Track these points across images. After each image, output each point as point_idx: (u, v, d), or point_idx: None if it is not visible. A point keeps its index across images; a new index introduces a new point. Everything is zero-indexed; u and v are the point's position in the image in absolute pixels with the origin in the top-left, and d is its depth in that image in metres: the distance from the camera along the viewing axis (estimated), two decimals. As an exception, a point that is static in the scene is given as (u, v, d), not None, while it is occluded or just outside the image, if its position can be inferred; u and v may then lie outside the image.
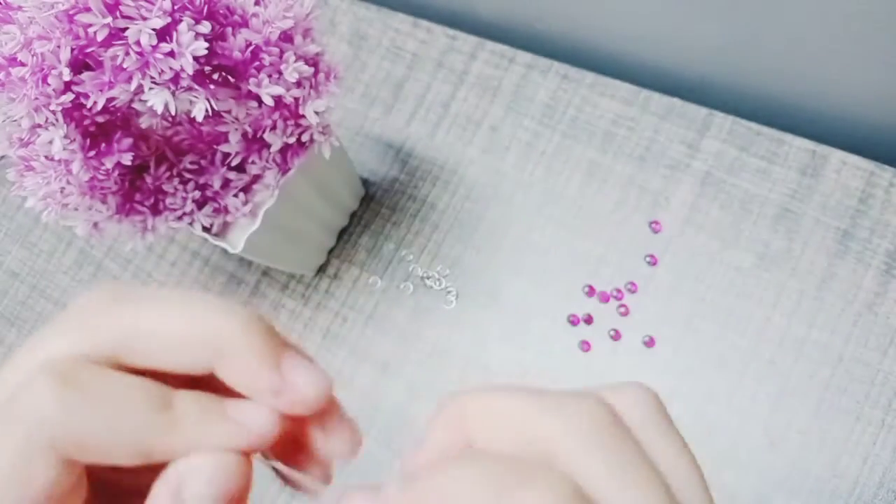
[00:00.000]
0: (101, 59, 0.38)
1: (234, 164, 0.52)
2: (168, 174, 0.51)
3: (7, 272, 0.78)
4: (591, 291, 0.61)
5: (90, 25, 0.37)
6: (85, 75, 0.39)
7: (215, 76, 0.43)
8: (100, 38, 0.37)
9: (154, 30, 0.37)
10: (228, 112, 0.46)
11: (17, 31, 0.38)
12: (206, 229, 0.54)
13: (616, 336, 0.59)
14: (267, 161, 0.51)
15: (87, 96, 0.39)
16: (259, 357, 0.21)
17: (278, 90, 0.43)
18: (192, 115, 0.41)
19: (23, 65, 0.38)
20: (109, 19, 0.37)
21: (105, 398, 0.19)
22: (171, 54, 0.38)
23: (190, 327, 0.21)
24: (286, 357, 0.21)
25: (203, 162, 0.52)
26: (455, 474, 0.19)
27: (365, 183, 0.69)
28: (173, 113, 0.40)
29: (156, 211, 0.51)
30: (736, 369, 0.57)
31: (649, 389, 0.22)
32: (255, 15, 0.42)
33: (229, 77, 0.43)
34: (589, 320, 0.60)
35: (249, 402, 0.21)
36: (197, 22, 0.39)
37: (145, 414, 0.20)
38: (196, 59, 0.39)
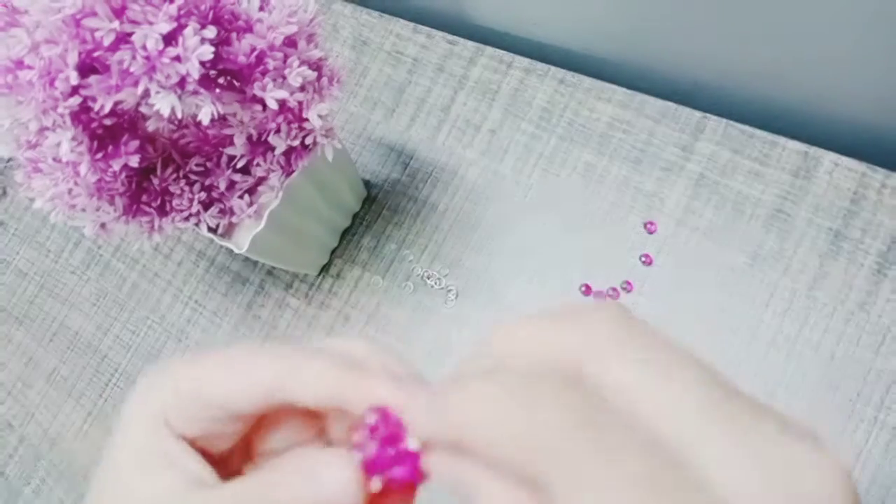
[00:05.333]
0: (107, 62, 0.39)
1: (239, 166, 0.53)
2: (174, 176, 0.52)
3: (15, 272, 0.79)
4: (587, 290, 0.62)
5: (97, 29, 0.37)
6: (92, 79, 0.39)
7: (221, 80, 0.43)
8: (107, 42, 0.38)
9: (160, 34, 0.38)
10: (233, 115, 0.46)
11: (24, 35, 0.39)
12: (211, 230, 0.55)
13: (612, 335, 0.60)
14: (271, 163, 0.52)
15: (94, 99, 0.40)
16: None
17: (282, 94, 0.44)
18: (198, 119, 0.41)
19: (30, 68, 0.39)
20: (116, 24, 0.37)
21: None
22: (178, 58, 0.39)
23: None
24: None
25: (209, 164, 0.53)
26: (475, 387, 0.20)
27: (367, 184, 0.70)
28: (179, 116, 0.40)
29: (162, 212, 0.52)
30: (729, 368, 0.57)
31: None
32: (259, 20, 0.43)
33: (234, 81, 0.44)
34: (586, 319, 0.61)
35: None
36: (203, 27, 0.39)
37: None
38: (202, 63, 0.39)
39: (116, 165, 0.45)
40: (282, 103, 0.45)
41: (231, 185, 0.53)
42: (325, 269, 0.69)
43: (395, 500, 0.23)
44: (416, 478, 0.22)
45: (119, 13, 0.38)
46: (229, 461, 0.27)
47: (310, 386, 0.24)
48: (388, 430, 0.22)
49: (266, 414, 0.26)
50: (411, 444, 0.21)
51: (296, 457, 0.24)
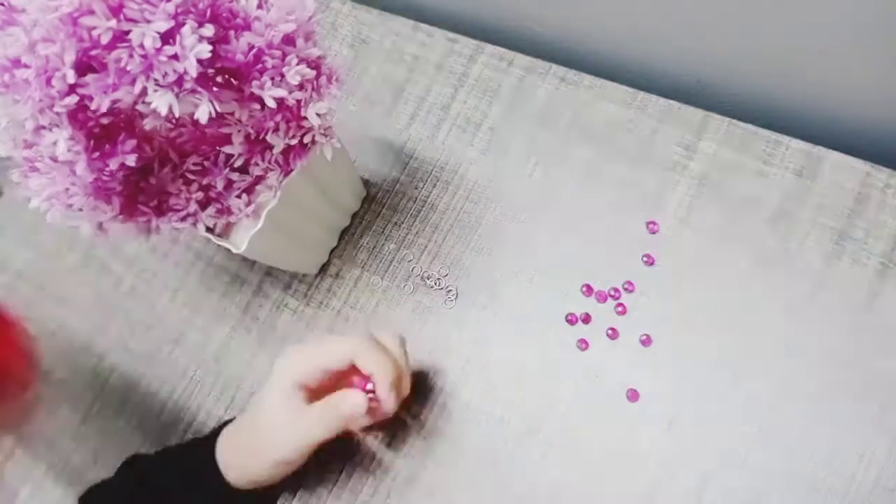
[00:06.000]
0: (105, 61, 0.39)
1: (237, 165, 0.52)
2: (172, 175, 0.51)
3: (13, 272, 0.79)
4: (588, 291, 0.61)
5: (94, 28, 0.37)
6: (89, 77, 0.39)
7: (218, 79, 0.43)
8: (104, 40, 0.37)
9: (158, 33, 0.38)
10: (231, 114, 0.46)
11: (21, 34, 0.38)
12: (209, 230, 0.54)
13: (613, 335, 0.60)
14: (269, 162, 0.52)
15: (91, 98, 0.40)
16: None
17: (281, 93, 0.44)
18: (195, 117, 0.41)
19: (27, 67, 0.39)
20: (113, 22, 0.37)
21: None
22: (175, 57, 0.38)
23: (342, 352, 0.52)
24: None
25: (206, 163, 0.52)
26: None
27: (366, 184, 0.70)
28: (177, 115, 0.40)
29: (160, 212, 0.52)
30: (732, 368, 0.57)
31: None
32: (257, 18, 0.43)
33: (232, 80, 0.44)
34: (587, 319, 0.61)
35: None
36: (200, 25, 0.39)
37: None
38: (199, 61, 0.39)
39: (113, 165, 0.45)
40: (280, 102, 0.45)
41: (229, 184, 0.53)
42: (323, 269, 0.68)
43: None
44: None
45: (116, 11, 0.37)
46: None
47: (359, 359, 0.52)
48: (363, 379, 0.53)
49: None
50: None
51: (338, 394, 0.52)
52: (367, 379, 0.52)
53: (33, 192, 0.45)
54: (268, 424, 0.52)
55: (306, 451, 0.52)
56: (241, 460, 0.53)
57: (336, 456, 0.61)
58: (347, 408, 0.51)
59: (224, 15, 0.41)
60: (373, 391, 0.52)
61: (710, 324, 0.58)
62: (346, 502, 0.61)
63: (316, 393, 0.53)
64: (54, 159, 0.44)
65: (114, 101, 0.40)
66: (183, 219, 0.52)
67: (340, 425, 0.52)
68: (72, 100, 0.40)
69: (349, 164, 0.63)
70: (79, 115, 0.42)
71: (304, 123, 0.48)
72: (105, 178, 0.46)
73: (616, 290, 0.61)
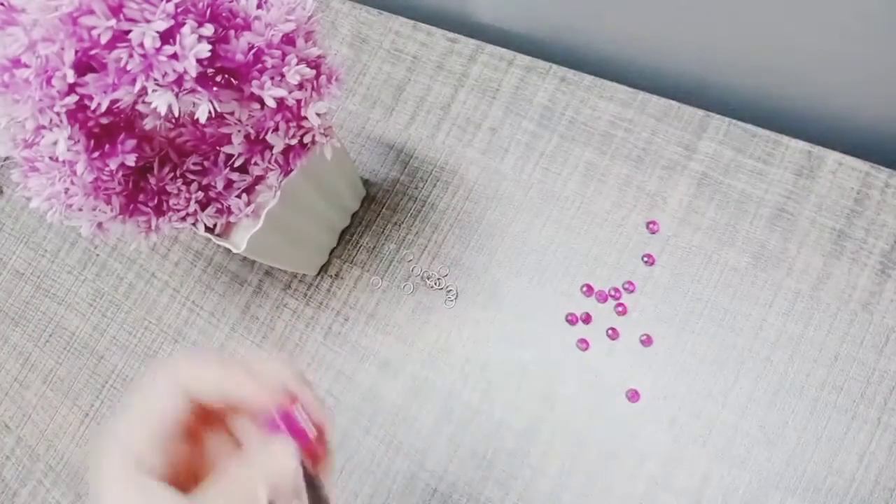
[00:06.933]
0: (104, 61, 0.39)
1: (236, 165, 0.52)
2: (171, 175, 0.51)
3: (12, 272, 0.79)
4: (588, 291, 0.61)
5: (94, 28, 0.37)
6: (89, 77, 0.39)
7: (218, 78, 0.43)
8: (103, 40, 0.37)
9: (157, 32, 0.37)
10: (231, 114, 0.46)
11: (21, 34, 0.38)
12: (209, 230, 0.54)
13: (613, 335, 0.60)
14: (269, 162, 0.52)
15: (91, 98, 0.40)
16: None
17: (280, 92, 0.43)
18: (195, 117, 0.41)
19: (27, 66, 0.39)
20: (113, 22, 0.37)
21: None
22: (175, 57, 0.38)
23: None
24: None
25: (206, 163, 0.52)
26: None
27: (366, 184, 0.70)
28: (177, 115, 0.40)
29: (159, 211, 0.52)
30: (732, 368, 0.57)
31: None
32: (257, 18, 0.42)
33: (232, 79, 0.44)
34: (587, 319, 0.61)
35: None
36: (200, 25, 0.39)
37: None
38: (199, 61, 0.39)
39: (113, 164, 0.45)
40: (280, 101, 0.45)
41: (228, 184, 0.53)
42: (323, 269, 0.68)
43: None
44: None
45: (116, 11, 0.37)
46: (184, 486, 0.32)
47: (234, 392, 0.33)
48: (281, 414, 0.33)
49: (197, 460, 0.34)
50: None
51: (252, 449, 0.33)
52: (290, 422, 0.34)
53: (33, 192, 0.45)
54: None
55: None
56: None
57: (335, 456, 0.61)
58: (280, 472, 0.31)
59: (224, 15, 0.41)
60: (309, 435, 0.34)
61: (710, 324, 0.58)
62: (347, 502, 0.61)
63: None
64: (54, 159, 0.44)
65: (114, 101, 0.40)
66: (183, 219, 0.52)
67: None
68: (72, 99, 0.40)
69: (349, 164, 0.63)
70: (78, 115, 0.42)
71: (304, 123, 0.48)
72: (105, 177, 0.46)
73: (616, 290, 0.61)
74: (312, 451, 0.33)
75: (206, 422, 0.34)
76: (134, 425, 0.31)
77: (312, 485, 0.32)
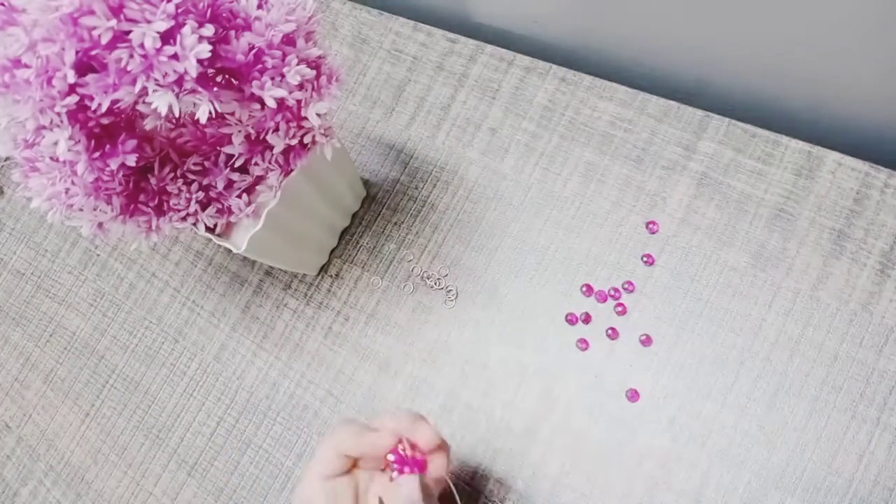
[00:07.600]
0: (105, 61, 0.39)
1: (237, 165, 0.52)
2: (172, 175, 0.51)
3: (12, 272, 0.79)
4: (588, 291, 0.61)
5: (95, 28, 0.37)
6: (89, 77, 0.39)
7: (219, 79, 0.43)
8: (104, 40, 0.37)
9: (158, 33, 0.37)
10: (232, 114, 0.46)
11: (21, 34, 0.38)
12: (209, 230, 0.54)
13: (613, 335, 0.60)
14: (270, 162, 0.52)
15: (91, 98, 0.40)
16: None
17: (281, 93, 0.43)
18: (195, 117, 0.41)
19: (28, 67, 0.39)
20: (114, 22, 0.37)
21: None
22: (175, 57, 0.38)
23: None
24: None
25: (207, 163, 0.52)
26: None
27: (366, 184, 0.70)
28: (177, 115, 0.40)
29: (160, 212, 0.52)
30: (732, 368, 0.57)
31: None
32: (257, 18, 0.42)
33: (232, 80, 0.44)
34: (587, 319, 0.61)
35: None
36: (200, 25, 0.39)
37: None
38: (200, 61, 0.39)
39: (114, 164, 0.45)
40: (280, 102, 0.45)
41: (229, 184, 0.53)
42: (323, 269, 0.69)
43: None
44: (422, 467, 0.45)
45: (117, 11, 0.37)
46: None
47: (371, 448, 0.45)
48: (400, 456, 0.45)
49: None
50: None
51: (382, 480, 0.46)
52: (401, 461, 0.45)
53: (34, 192, 0.45)
54: None
55: None
56: None
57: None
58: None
59: (224, 15, 0.41)
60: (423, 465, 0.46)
61: (710, 324, 0.58)
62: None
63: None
64: (55, 159, 0.43)
65: (114, 101, 0.40)
66: (183, 219, 0.52)
67: None
68: (72, 100, 0.40)
69: (349, 164, 0.63)
70: (79, 115, 0.42)
71: (305, 123, 0.48)
72: (105, 178, 0.46)
73: (616, 290, 0.61)
74: (423, 466, 0.45)
75: (355, 464, 0.46)
76: (311, 474, 0.45)
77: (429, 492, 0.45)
